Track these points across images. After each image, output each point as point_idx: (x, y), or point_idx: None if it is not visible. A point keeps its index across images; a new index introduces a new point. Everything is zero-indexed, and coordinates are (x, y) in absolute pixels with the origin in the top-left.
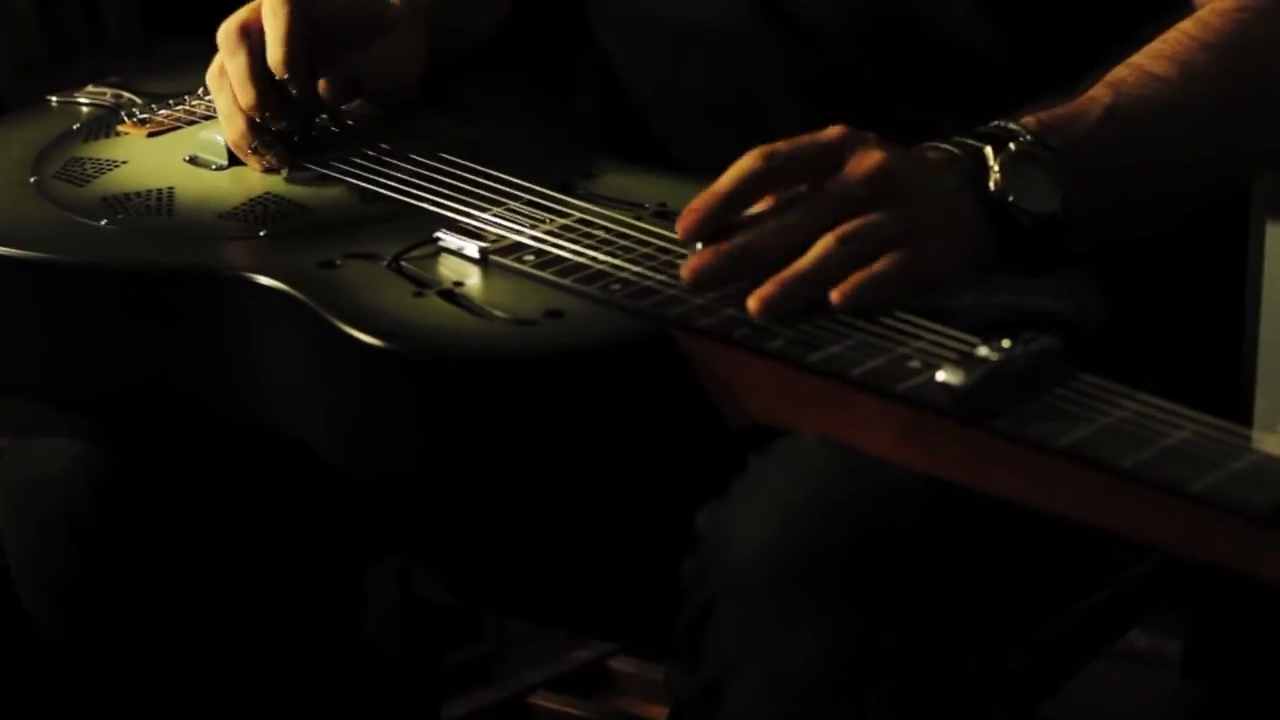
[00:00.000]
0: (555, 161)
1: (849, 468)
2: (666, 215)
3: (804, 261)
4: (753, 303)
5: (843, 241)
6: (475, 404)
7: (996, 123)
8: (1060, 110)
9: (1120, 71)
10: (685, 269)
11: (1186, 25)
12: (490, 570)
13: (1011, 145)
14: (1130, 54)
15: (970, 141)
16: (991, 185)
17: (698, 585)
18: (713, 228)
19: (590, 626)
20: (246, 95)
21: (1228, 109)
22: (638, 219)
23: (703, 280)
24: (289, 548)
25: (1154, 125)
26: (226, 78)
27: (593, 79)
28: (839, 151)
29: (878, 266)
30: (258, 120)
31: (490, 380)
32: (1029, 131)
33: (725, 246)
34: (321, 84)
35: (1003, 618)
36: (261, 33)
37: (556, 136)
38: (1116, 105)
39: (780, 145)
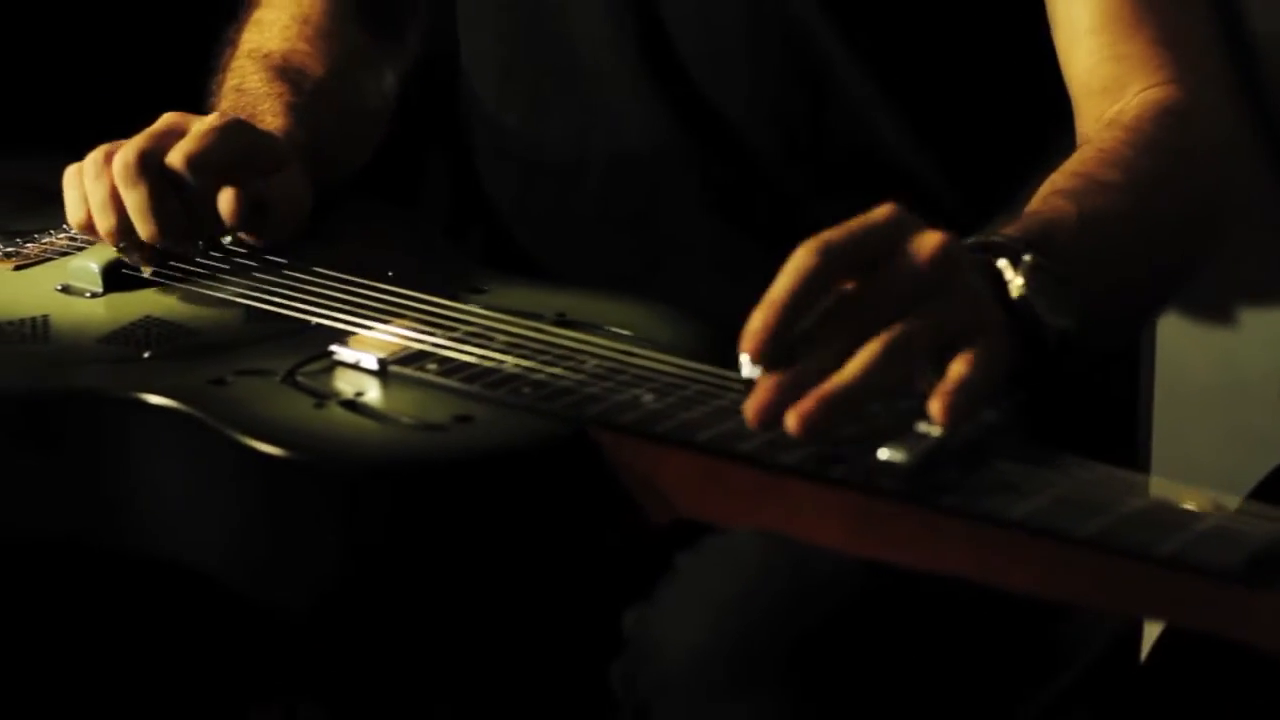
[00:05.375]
0: (445, 279)
1: (783, 560)
2: (569, 324)
3: (866, 367)
4: (793, 421)
5: (909, 344)
6: (390, 511)
7: (977, 237)
8: (1031, 223)
9: (1068, 182)
10: (750, 409)
11: (1118, 133)
12: (400, 692)
13: (1027, 257)
14: (1050, 169)
15: (973, 253)
16: (1014, 295)
17: (629, 690)
18: (783, 346)
19: None
20: (148, 228)
21: (1175, 210)
22: (539, 327)
23: (770, 420)
24: (166, 698)
25: (1120, 231)
26: (108, 172)
27: (442, 179)
28: (895, 234)
29: (964, 371)
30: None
31: (404, 485)
32: (1021, 242)
33: (788, 379)
34: (229, 202)
35: (955, 709)
36: (161, 165)
37: (441, 258)
38: (1084, 215)
39: (833, 235)
